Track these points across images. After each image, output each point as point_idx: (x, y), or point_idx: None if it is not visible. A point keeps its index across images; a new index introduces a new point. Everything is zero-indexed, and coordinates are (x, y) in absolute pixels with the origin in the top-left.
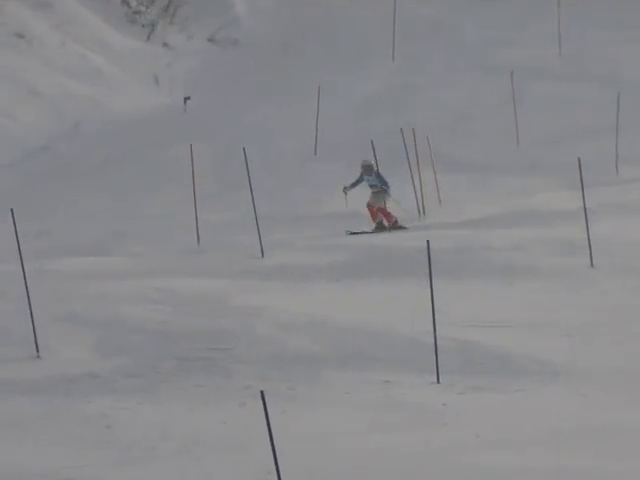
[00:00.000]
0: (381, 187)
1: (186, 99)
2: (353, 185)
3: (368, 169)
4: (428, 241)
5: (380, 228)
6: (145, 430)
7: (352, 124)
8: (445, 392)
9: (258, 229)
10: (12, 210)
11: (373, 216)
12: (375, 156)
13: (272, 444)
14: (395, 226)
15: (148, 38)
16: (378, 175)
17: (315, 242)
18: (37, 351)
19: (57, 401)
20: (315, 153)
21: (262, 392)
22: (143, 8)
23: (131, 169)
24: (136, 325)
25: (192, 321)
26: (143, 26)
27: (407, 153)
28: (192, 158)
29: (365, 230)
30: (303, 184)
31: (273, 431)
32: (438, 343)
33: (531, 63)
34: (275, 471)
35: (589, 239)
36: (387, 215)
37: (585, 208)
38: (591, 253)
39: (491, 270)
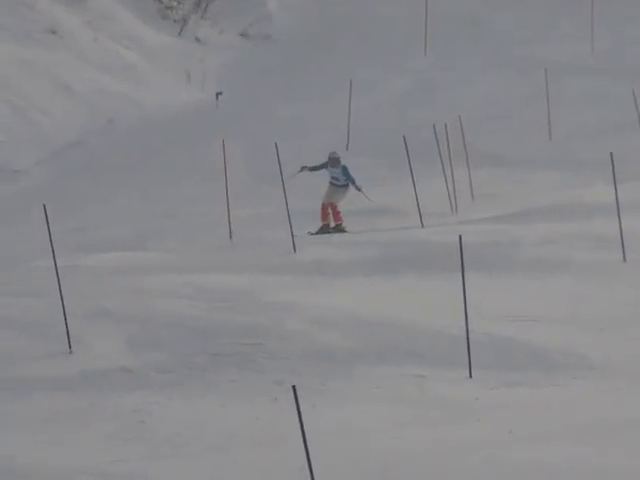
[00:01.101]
0: (345, 183)
1: (218, 94)
2: (314, 169)
3: (335, 162)
4: (460, 236)
5: (325, 230)
6: (178, 425)
7: (383, 119)
8: (478, 387)
9: (290, 224)
10: (44, 206)
11: (324, 216)
12: (407, 151)
13: (304, 440)
14: (339, 228)
15: (180, 33)
16: (344, 170)
17: (347, 237)
18: (70, 347)
19: (90, 396)
20: (347, 148)
21: (294, 387)
22: (175, 3)
23: (163, 164)
24: (168, 320)
25: (224, 316)
26: (175, 21)
27: (439, 148)
28: (224, 153)
29: (311, 232)
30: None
31: (304, 426)
32: (470, 338)
33: (563, 59)
34: (307, 466)
35: (621, 234)
36: (337, 214)
37: (618, 203)
38: (623, 248)
39: (523, 265)
